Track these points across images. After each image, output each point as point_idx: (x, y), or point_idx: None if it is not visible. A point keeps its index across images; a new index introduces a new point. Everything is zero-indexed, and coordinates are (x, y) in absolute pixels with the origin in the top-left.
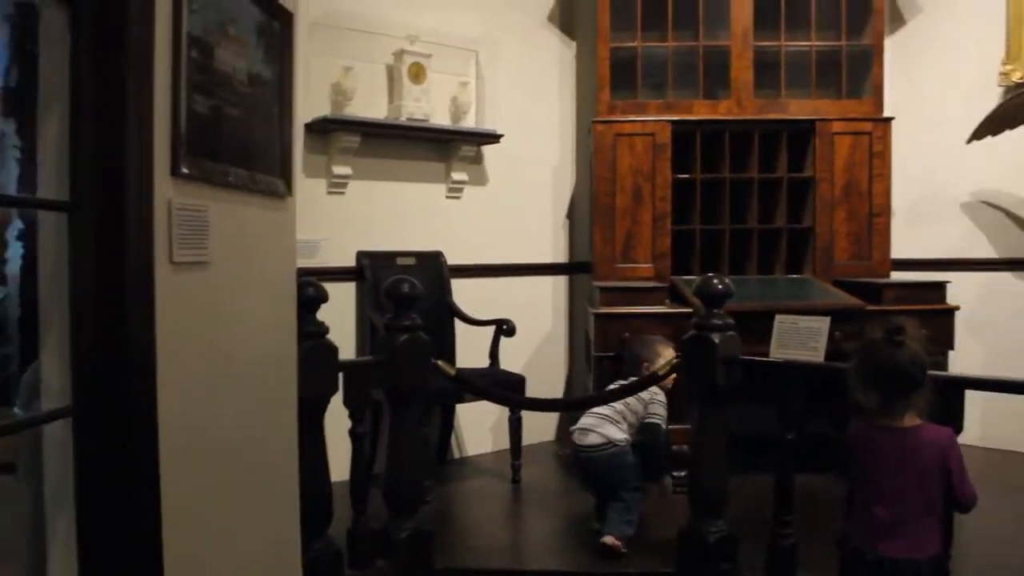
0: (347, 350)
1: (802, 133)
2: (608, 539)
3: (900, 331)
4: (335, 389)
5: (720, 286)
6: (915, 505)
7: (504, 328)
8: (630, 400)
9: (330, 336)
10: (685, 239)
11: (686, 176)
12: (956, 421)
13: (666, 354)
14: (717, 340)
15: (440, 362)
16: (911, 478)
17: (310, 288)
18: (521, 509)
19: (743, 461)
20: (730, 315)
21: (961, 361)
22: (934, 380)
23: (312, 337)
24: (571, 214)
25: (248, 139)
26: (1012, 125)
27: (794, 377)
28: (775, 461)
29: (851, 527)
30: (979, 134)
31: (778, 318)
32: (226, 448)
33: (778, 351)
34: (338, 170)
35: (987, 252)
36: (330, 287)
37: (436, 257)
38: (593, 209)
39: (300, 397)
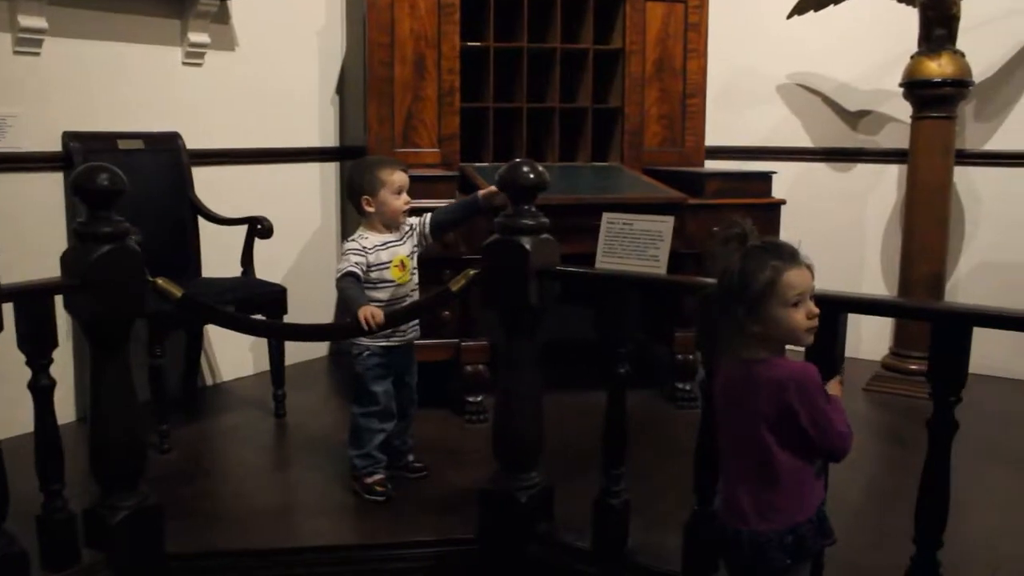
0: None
1: None
2: None
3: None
4: None
5: (532, 175)
6: (747, 463)
7: (259, 228)
8: None
9: (33, 245)
10: (476, 119)
11: (477, 44)
12: (832, 355)
13: (391, 181)
14: (529, 246)
15: (160, 280)
16: (741, 427)
17: None
18: (287, 455)
19: (545, 374)
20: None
21: None
22: None
23: None
24: (342, 89)
25: None
26: None
27: (629, 294)
28: (587, 373)
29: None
30: (800, 8)
31: (606, 217)
32: None
33: (606, 259)
34: (27, 21)
35: (802, 140)
36: (28, 179)
37: (172, 140)
38: (367, 82)
39: None
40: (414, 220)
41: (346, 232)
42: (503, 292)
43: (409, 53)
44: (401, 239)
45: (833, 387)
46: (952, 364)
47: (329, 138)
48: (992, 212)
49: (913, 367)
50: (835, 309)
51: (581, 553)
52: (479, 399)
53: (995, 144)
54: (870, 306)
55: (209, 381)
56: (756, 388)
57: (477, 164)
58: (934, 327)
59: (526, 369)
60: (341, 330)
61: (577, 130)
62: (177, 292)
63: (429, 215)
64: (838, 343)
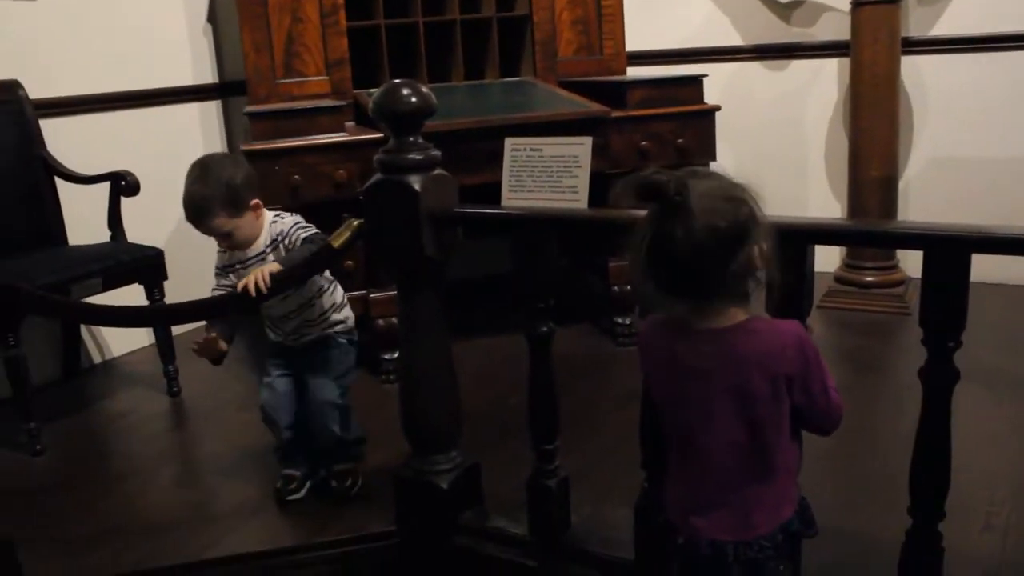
0: None
1: None
2: None
3: (680, 191)
4: None
5: (413, 98)
6: (739, 457)
7: (122, 184)
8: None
9: None
10: (368, 40)
11: None
12: (800, 297)
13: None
14: (418, 186)
15: None
16: (726, 411)
17: None
18: (181, 447)
19: (456, 321)
20: (433, 139)
21: None
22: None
23: None
24: (213, 16)
25: None
26: None
27: (546, 237)
28: (505, 312)
29: (663, 491)
30: None
31: (509, 144)
32: None
33: (514, 194)
34: None
35: (732, 38)
36: None
37: (11, 89)
38: (237, 6)
39: None
40: (280, 230)
41: None
42: (391, 244)
43: None
44: (260, 255)
45: None
46: (951, 301)
47: (206, 74)
48: (939, 104)
49: (869, 279)
50: (801, 240)
51: (516, 541)
52: (396, 355)
53: (941, 29)
54: (846, 235)
55: (96, 359)
56: (735, 361)
57: (373, 90)
58: (927, 258)
59: (430, 333)
60: (222, 305)
61: (483, 44)
62: None
63: (303, 236)
64: (806, 283)
